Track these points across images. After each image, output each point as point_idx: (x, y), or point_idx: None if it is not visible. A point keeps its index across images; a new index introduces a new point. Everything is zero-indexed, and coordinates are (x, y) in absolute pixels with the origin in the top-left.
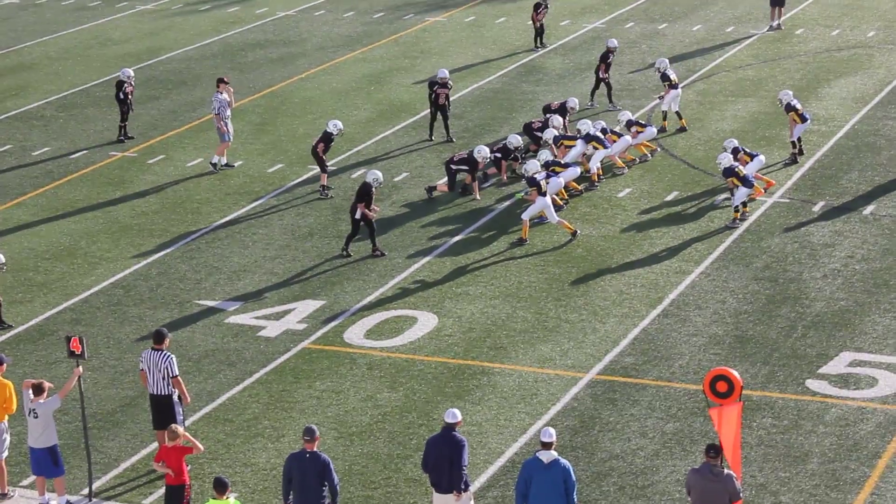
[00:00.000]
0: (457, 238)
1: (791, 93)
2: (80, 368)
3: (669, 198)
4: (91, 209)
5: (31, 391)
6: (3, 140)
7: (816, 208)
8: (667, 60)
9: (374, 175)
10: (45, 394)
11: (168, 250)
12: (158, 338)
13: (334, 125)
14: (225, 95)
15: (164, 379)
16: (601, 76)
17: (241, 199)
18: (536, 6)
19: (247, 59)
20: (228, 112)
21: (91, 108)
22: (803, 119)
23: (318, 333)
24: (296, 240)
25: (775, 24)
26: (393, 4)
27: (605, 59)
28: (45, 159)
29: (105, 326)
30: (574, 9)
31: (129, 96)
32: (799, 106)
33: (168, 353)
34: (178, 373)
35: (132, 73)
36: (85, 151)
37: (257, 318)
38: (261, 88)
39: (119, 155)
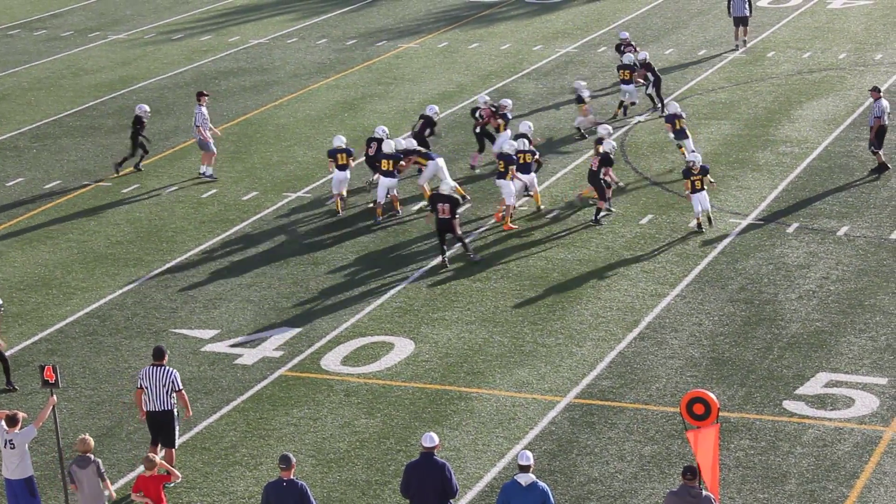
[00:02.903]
0: (432, 263)
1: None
2: (55, 398)
3: (644, 221)
4: (66, 239)
5: (3, 422)
6: None
7: (791, 230)
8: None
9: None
10: (20, 424)
11: (143, 279)
12: (159, 354)
13: (431, 109)
14: (205, 109)
15: (167, 394)
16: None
17: (216, 227)
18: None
19: (220, 88)
20: (209, 124)
21: (64, 138)
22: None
23: (295, 360)
24: (271, 267)
25: (739, 43)
26: (365, 31)
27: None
28: (18, 190)
29: (81, 356)
30: (546, 33)
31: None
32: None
33: (170, 369)
34: (182, 386)
35: (148, 109)
36: (59, 181)
37: (233, 345)
38: (234, 116)
39: (93, 185)
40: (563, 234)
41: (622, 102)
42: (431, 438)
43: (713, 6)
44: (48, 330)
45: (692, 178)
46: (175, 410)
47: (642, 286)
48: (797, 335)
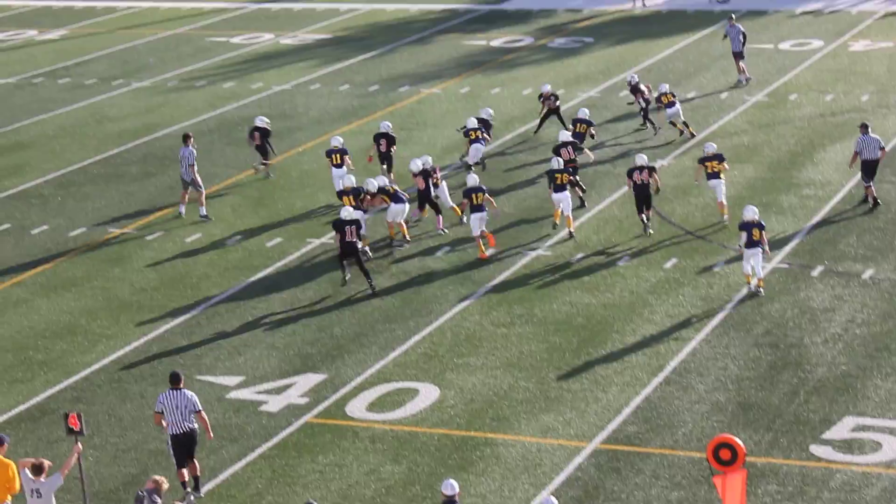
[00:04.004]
0: (456, 308)
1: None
2: (80, 445)
3: (668, 265)
4: (90, 286)
5: (29, 470)
6: (1, 219)
7: (815, 273)
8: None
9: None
10: (46, 472)
11: (168, 326)
12: (176, 379)
13: (486, 111)
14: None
15: (184, 417)
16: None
17: (241, 273)
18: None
19: (243, 134)
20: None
21: (89, 185)
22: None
23: (320, 407)
24: (296, 313)
25: (742, 78)
26: (388, 77)
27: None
28: (43, 237)
29: (106, 404)
30: (568, 78)
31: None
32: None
33: (188, 392)
34: (201, 407)
35: (267, 119)
36: (83, 229)
37: (258, 392)
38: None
39: (118, 232)
40: (586, 278)
41: (674, 124)
42: (452, 486)
43: None
44: (73, 377)
45: (707, 163)
46: (197, 430)
47: (667, 330)
48: (823, 379)
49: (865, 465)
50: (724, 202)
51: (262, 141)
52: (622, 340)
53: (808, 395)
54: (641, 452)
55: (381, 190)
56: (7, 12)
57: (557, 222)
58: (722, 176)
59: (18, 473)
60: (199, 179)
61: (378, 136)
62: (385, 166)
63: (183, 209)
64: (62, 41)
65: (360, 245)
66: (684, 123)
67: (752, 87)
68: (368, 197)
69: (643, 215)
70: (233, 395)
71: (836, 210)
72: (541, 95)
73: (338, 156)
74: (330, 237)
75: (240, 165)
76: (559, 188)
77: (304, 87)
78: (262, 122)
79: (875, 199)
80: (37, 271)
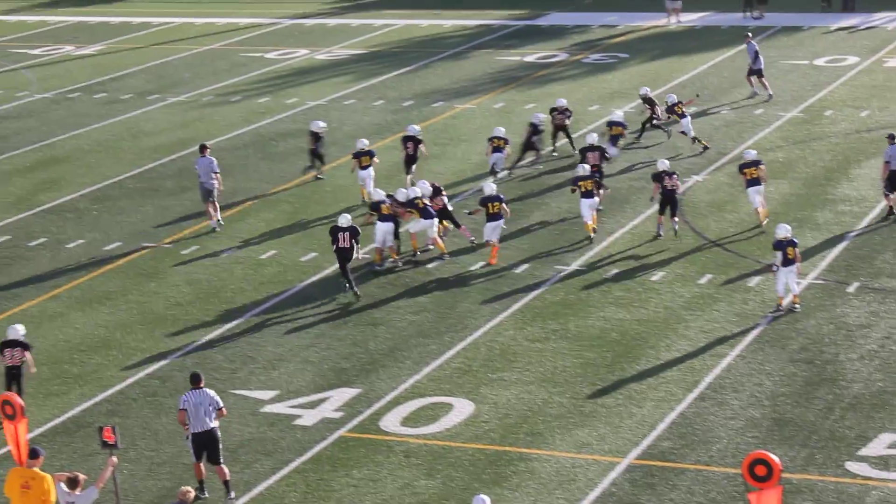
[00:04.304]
0: (491, 323)
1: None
2: (115, 459)
3: (703, 280)
4: (126, 300)
5: (64, 484)
6: (37, 233)
7: (851, 289)
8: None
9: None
10: (81, 486)
11: (203, 340)
12: (196, 379)
13: (536, 117)
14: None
15: (207, 415)
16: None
17: (275, 287)
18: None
19: (278, 149)
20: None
21: (124, 199)
22: None
23: (355, 421)
24: (330, 328)
25: (757, 90)
26: (422, 92)
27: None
28: (79, 252)
29: (141, 417)
30: (603, 93)
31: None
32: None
33: (209, 391)
34: (222, 405)
35: (324, 125)
36: (119, 243)
37: (293, 406)
38: (293, 177)
39: (153, 246)
40: (621, 294)
41: (688, 135)
42: (483, 501)
43: (769, 65)
44: (109, 391)
45: (745, 170)
46: (218, 429)
47: (702, 346)
48: (859, 395)
49: None
50: (762, 209)
51: (314, 145)
52: (657, 356)
53: (844, 411)
54: (676, 468)
55: (411, 203)
56: (44, 28)
57: (592, 235)
58: (762, 182)
59: (54, 487)
60: (217, 189)
61: (406, 139)
62: (410, 168)
63: (214, 222)
64: (98, 56)
65: (356, 253)
66: (694, 138)
67: (787, 102)
68: (398, 208)
69: (672, 219)
70: (267, 409)
71: (872, 226)
72: (554, 109)
73: (366, 157)
74: (365, 252)
75: (274, 180)
76: (586, 195)
77: (338, 103)
78: (316, 126)
79: (892, 209)
80: (72, 285)
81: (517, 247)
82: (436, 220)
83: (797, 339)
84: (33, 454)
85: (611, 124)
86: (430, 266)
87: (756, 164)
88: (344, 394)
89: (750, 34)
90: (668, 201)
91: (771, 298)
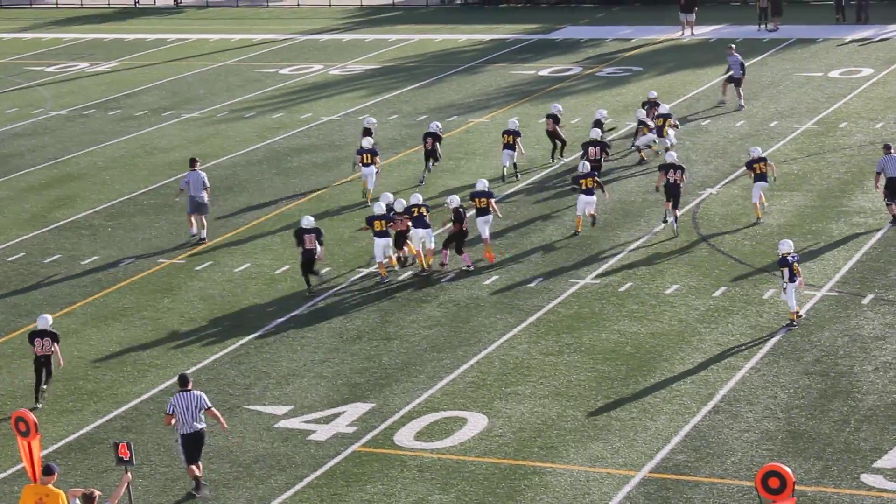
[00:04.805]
0: (504, 337)
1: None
2: (129, 475)
3: (717, 293)
4: (140, 317)
5: (79, 500)
6: (52, 250)
7: (866, 301)
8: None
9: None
10: (95, 502)
11: (217, 356)
12: (184, 381)
13: (556, 108)
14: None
15: (194, 417)
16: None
17: (289, 303)
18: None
19: (292, 164)
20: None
21: (139, 216)
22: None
23: (368, 436)
24: (344, 343)
25: (725, 99)
26: (436, 106)
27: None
28: (93, 268)
29: (155, 433)
30: (617, 107)
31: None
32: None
33: (197, 392)
34: (210, 405)
35: (440, 125)
36: (133, 260)
37: (307, 422)
38: (306, 193)
39: (167, 262)
40: (635, 307)
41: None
42: None
43: (784, 77)
44: (123, 407)
45: (755, 165)
46: (205, 431)
47: (716, 359)
48: (874, 407)
49: None
50: (761, 204)
51: (432, 146)
52: (671, 369)
53: (859, 423)
54: (691, 481)
55: (407, 210)
56: (59, 45)
57: (579, 231)
58: (768, 178)
59: (68, 503)
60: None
61: (426, 135)
62: (431, 162)
63: (194, 229)
64: (113, 73)
65: (318, 254)
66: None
67: (802, 114)
68: (398, 218)
69: (674, 211)
70: (281, 424)
71: (887, 238)
72: (549, 115)
73: (368, 156)
74: (375, 267)
75: (289, 195)
76: (586, 192)
77: (352, 117)
78: (434, 127)
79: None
80: (87, 301)
81: (531, 260)
82: (430, 230)
83: (811, 352)
84: (47, 471)
85: (660, 116)
86: (443, 280)
87: (763, 160)
88: (358, 409)
89: (733, 46)
90: (671, 194)
91: (787, 310)
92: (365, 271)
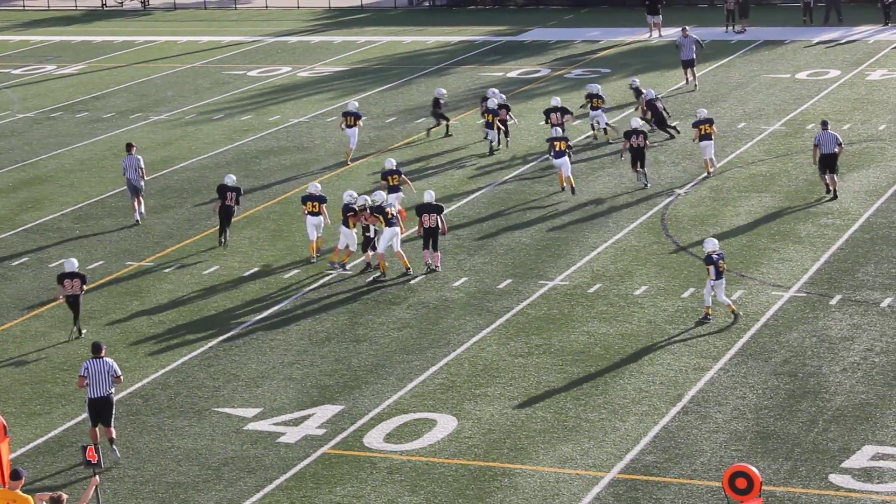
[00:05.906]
0: (474, 339)
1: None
2: (97, 478)
3: (686, 294)
4: (108, 319)
5: None
6: (19, 252)
7: (834, 302)
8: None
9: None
10: None
11: (186, 358)
12: (97, 348)
13: (555, 101)
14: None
15: (105, 382)
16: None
17: (258, 305)
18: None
19: (261, 167)
20: None
21: (107, 219)
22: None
23: (338, 438)
24: (313, 345)
25: (689, 86)
26: (405, 108)
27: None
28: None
29: (124, 436)
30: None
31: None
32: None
33: (109, 360)
34: (120, 373)
35: (444, 91)
36: (101, 262)
37: (276, 424)
38: (275, 195)
39: (135, 265)
40: (604, 308)
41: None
42: None
43: (752, 79)
44: None
45: (700, 126)
46: (113, 396)
47: (685, 360)
48: (842, 408)
49: (885, 493)
50: (712, 160)
51: (439, 108)
52: (640, 370)
53: (827, 423)
54: (660, 482)
55: (378, 209)
56: (26, 48)
57: (564, 186)
58: (713, 137)
59: None
60: (143, 185)
61: (501, 107)
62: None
63: (137, 215)
64: (80, 75)
65: (235, 210)
66: (604, 129)
67: (770, 116)
68: (367, 213)
69: (640, 171)
70: (250, 426)
71: (855, 239)
72: (486, 110)
73: (351, 118)
74: (348, 269)
75: (257, 198)
76: (559, 154)
77: (320, 120)
78: (439, 93)
79: (834, 191)
80: (55, 304)
81: (500, 262)
82: (397, 230)
83: (780, 352)
84: (15, 475)
85: (590, 97)
86: (413, 282)
87: (710, 121)
88: (327, 411)
89: (687, 28)
90: (637, 156)
91: (755, 311)
92: (334, 273)
